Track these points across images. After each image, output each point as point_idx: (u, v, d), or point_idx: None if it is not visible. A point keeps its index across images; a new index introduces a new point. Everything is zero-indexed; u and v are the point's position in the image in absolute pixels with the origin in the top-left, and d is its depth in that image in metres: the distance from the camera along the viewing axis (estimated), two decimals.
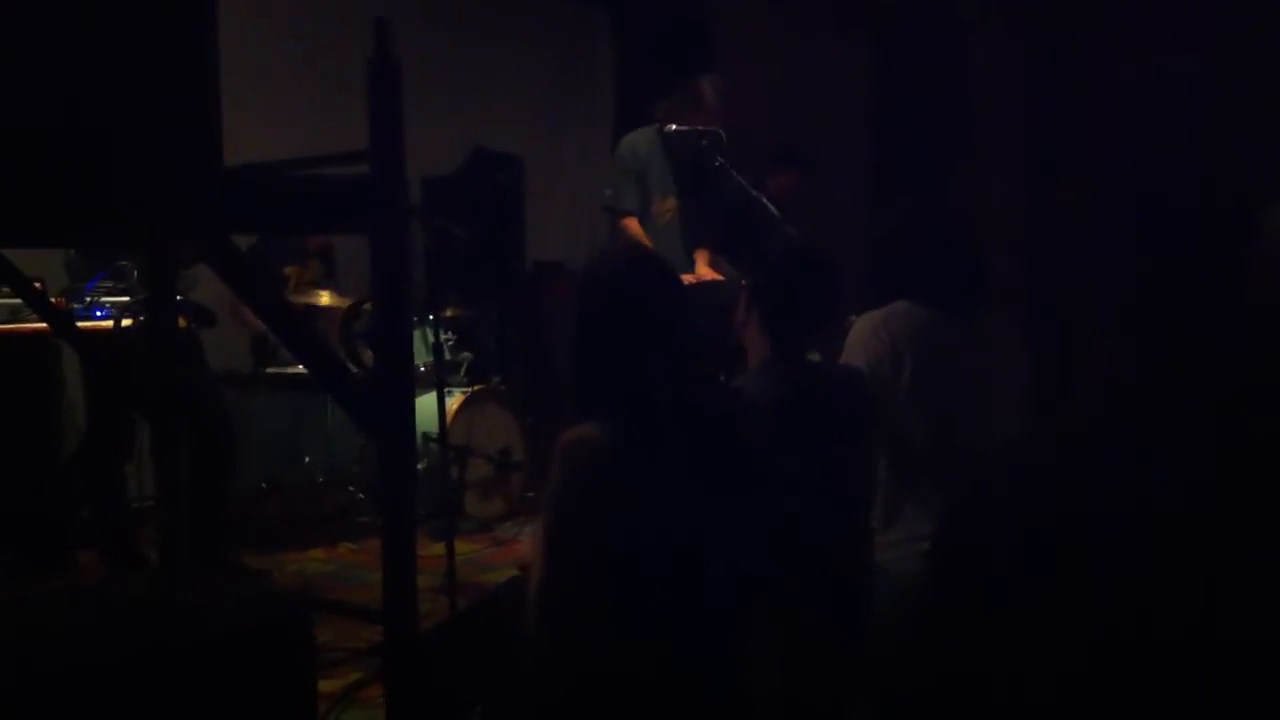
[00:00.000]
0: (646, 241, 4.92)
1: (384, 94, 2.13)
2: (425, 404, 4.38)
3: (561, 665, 2.13)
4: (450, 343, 5.44)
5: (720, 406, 2.29)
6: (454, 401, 5.15)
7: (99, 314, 4.05)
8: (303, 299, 5.27)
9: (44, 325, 3.79)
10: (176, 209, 2.05)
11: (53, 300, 3.80)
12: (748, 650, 2.23)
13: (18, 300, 3.79)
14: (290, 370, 5.24)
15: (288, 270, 5.51)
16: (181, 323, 3.70)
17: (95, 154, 1.97)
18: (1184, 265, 1.72)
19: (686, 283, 4.91)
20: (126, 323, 3.94)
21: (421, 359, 4.96)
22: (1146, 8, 6.03)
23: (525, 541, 5.04)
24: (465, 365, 5.73)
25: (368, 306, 5.08)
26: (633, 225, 5.00)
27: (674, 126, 4.85)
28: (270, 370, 5.32)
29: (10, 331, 3.99)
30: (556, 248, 7.06)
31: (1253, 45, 5.67)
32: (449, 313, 5.51)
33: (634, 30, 7.71)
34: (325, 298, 5.35)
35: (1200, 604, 1.18)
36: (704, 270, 5.14)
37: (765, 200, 4.62)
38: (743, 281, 2.87)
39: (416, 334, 5.02)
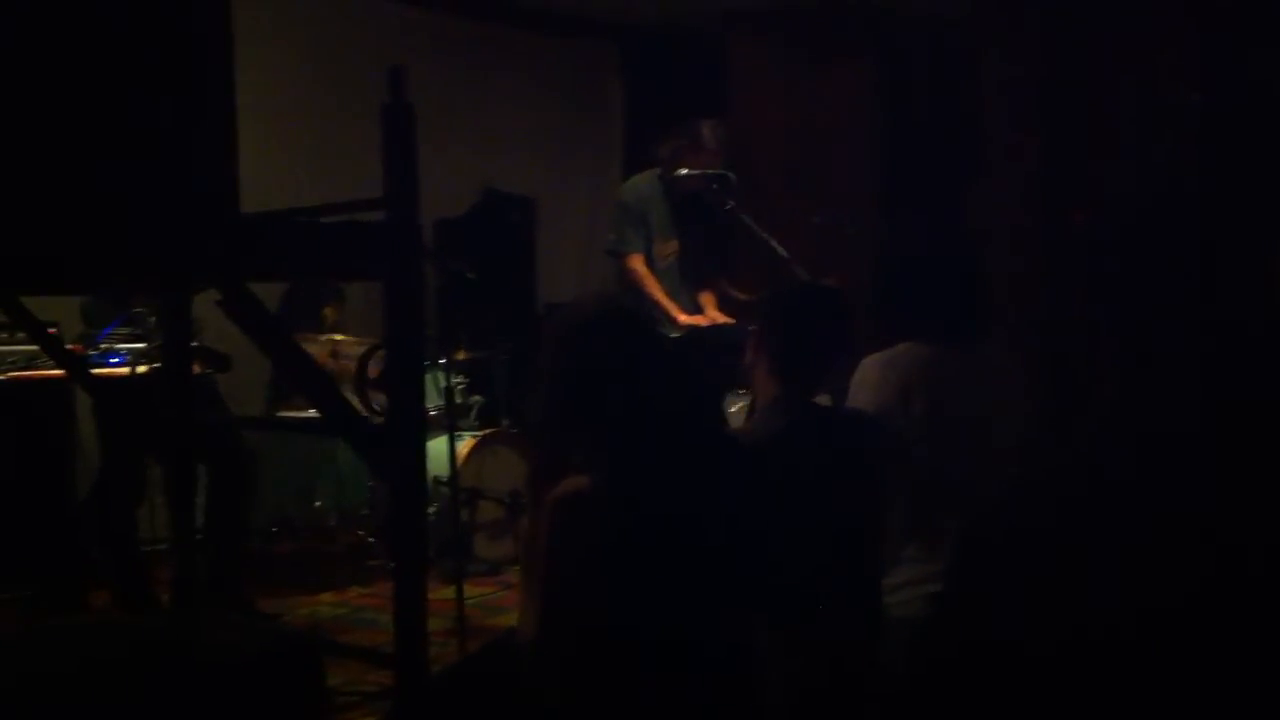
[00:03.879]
0: (653, 281, 4.95)
1: (399, 141, 2.16)
2: (436, 447, 4.40)
3: (567, 709, 2.13)
4: (461, 386, 5.46)
5: (716, 449, 2.29)
6: (465, 444, 5.16)
7: (114, 360, 4.08)
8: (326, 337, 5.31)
9: (59, 370, 3.82)
10: (194, 256, 2.07)
11: (68, 346, 3.83)
12: (756, 693, 2.23)
13: (34, 346, 3.82)
14: (304, 414, 5.26)
15: (326, 310, 5.54)
16: (196, 368, 3.72)
17: (113, 202, 2.00)
18: (1195, 292, 1.74)
19: (696, 325, 4.95)
20: (142, 369, 3.97)
21: (433, 402, 4.98)
22: (1153, 38, 6.06)
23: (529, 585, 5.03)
24: (476, 408, 5.74)
25: (381, 351, 5.09)
26: (639, 264, 5.02)
27: (685, 170, 4.89)
28: (283, 413, 5.34)
29: (26, 377, 4.02)
30: (568, 289, 7.09)
31: (1257, 79, 5.70)
32: (460, 355, 5.52)
33: (645, 72, 7.77)
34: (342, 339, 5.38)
35: (1210, 641, 1.18)
36: (713, 313, 5.16)
37: (775, 243, 4.65)
38: (750, 327, 2.88)
39: (428, 377, 5.04)
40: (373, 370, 4.69)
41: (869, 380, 2.87)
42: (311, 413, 5.13)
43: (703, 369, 4.27)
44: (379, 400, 5.03)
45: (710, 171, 4.82)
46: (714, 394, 3.85)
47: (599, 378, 2.20)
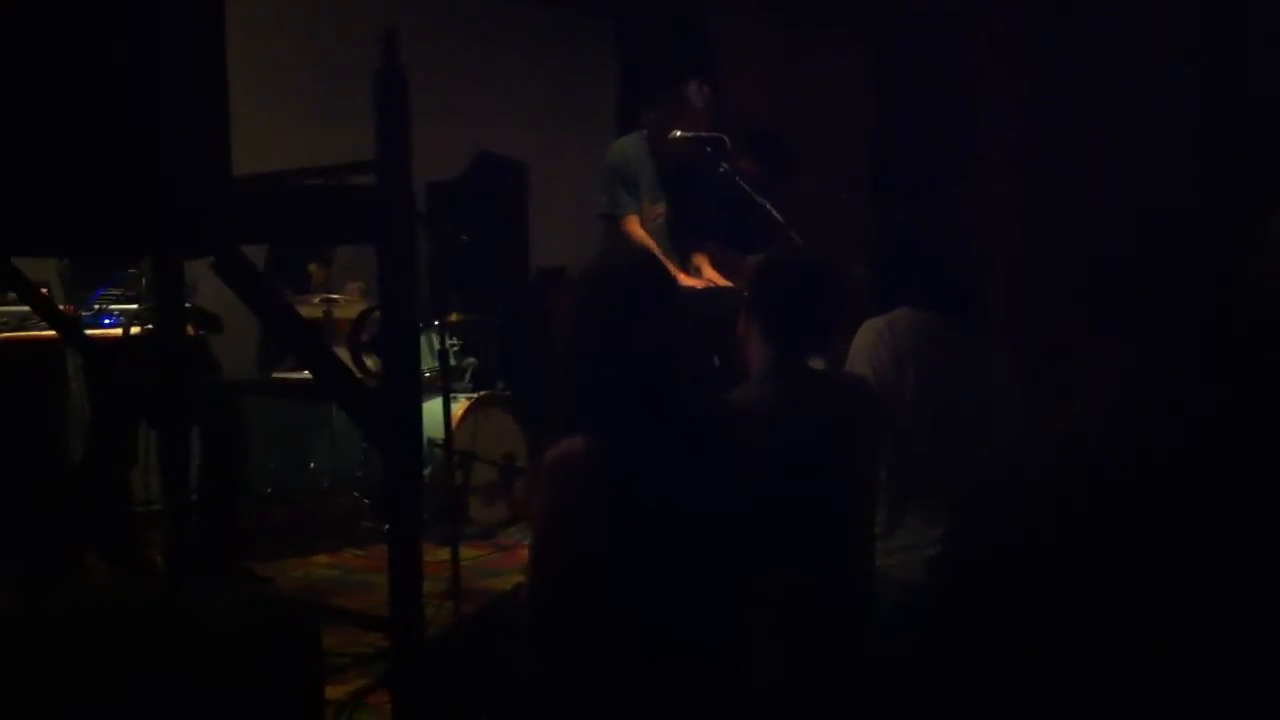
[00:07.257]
0: (650, 242, 4.93)
1: (391, 106, 2.14)
2: (430, 410, 4.40)
3: (560, 673, 2.14)
4: (455, 349, 5.46)
5: (709, 413, 2.30)
6: (459, 407, 5.17)
7: (107, 322, 4.06)
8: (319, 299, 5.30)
9: (49, 332, 3.80)
10: (186, 220, 2.06)
11: (61, 308, 3.82)
12: (748, 653, 2.24)
13: (25, 307, 3.80)
14: (296, 375, 5.25)
15: (311, 268, 5.52)
16: (189, 330, 3.71)
17: (105, 165, 1.99)
18: (1183, 272, 1.73)
19: (694, 286, 4.93)
20: (135, 330, 3.96)
21: (427, 364, 4.97)
22: (1145, 17, 6.05)
23: (528, 548, 5.05)
24: (470, 371, 5.74)
25: (376, 314, 5.08)
26: (635, 227, 5.00)
27: (679, 133, 4.86)
28: (276, 375, 5.33)
29: (17, 339, 4.00)
30: (561, 253, 7.07)
31: (1249, 54, 5.69)
32: (453, 318, 5.52)
33: (636, 38, 7.73)
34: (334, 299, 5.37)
35: (1202, 602, 1.19)
36: (710, 273, 5.14)
37: (770, 206, 4.63)
38: (745, 293, 2.88)
39: (421, 339, 5.03)
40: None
41: (865, 343, 2.87)
42: (305, 374, 5.13)
43: (701, 331, 4.29)
44: (373, 361, 5.04)
45: (704, 134, 4.80)
46: (713, 358, 3.84)
47: (623, 329, 2.19)
